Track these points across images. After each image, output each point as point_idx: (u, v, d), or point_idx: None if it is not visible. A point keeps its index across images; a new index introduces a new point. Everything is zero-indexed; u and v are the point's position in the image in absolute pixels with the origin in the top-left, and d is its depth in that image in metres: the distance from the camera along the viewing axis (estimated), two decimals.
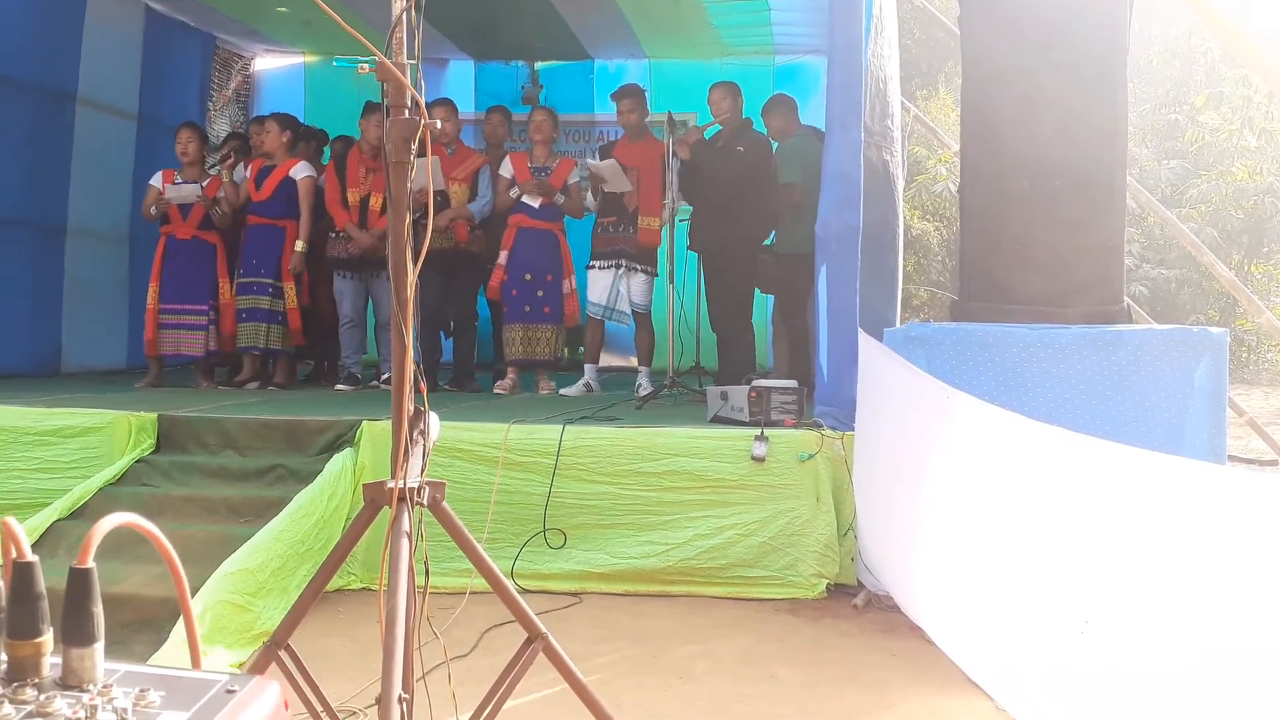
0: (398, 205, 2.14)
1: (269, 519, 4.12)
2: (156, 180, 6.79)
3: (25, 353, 7.15)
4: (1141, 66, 16.81)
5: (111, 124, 7.96)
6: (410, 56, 2.12)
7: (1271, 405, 12.03)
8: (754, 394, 4.72)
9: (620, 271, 6.56)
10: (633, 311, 6.64)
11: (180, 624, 3.31)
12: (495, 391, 6.60)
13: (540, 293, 6.56)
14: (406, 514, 2.12)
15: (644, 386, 6.44)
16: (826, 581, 4.41)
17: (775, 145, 6.70)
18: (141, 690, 0.95)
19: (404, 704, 1.98)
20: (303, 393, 6.62)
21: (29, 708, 0.91)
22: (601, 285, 6.59)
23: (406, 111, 2.11)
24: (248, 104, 9.98)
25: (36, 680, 0.95)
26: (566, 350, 7.00)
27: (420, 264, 2.16)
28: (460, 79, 9.72)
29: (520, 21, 8.50)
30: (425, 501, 2.18)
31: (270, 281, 6.68)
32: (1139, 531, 2.27)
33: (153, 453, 4.82)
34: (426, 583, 2.28)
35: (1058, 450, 2.64)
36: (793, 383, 4.96)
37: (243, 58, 9.87)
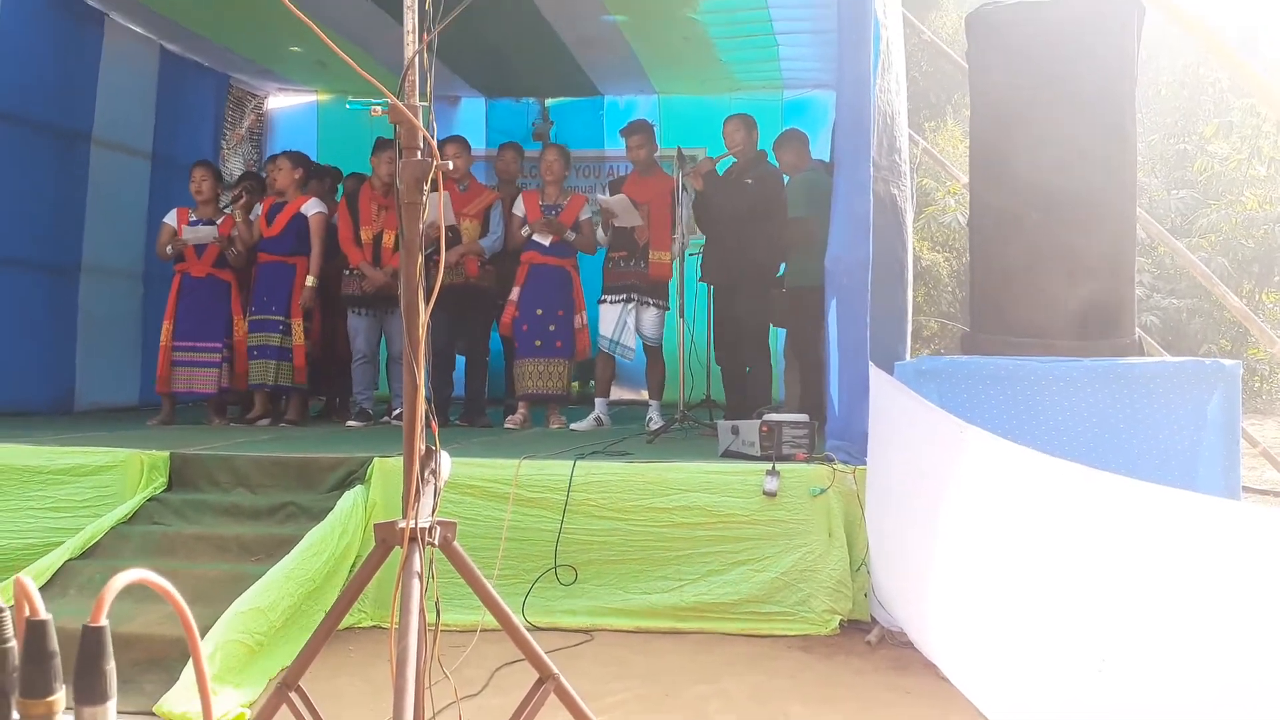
0: (410, 246, 2.15)
1: (280, 557, 4.12)
2: (171, 219, 6.85)
3: (39, 390, 7.18)
4: (1150, 97, 16.86)
5: (126, 163, 8.04)
6: (422, 98, 2.14)
7: None
8: (765, 428, 4.71)
9: (630, 305, 6.60)
10: (644, 345, 6.67)
11: (191, 664, 3.31)
12: (506, 426, 6.61)
13: (552, 327, 6.59)
14: (418, 554, 2.12)
15: (654, 420, 6.44)
16: (839, 618, 4.38)
17: (786, 179, 6.73)
18: None
19: None
20: (314, 429, 6.63)
21: None
22: (610, 319, 6.63)
23: (419, 153, 2.13)
24: (261, 142, 10.07)
25: None
26: (577, 384, 7.01)
27: (433, 303, 2.18)
28: (472, 116, 9.81)
29: (531, 59, 8.59)
30: (436, 541, 2.18)
31: (280, 319, 6.72)
32: (1156, 569, 2.25)
33: (165, 491, 4.82)
34: (437, 622, 2.28)
35: (1073, 486, 2.62)
36: (804, 417, 4.95)
37: (256, 96, 9.97)
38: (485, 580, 2.25)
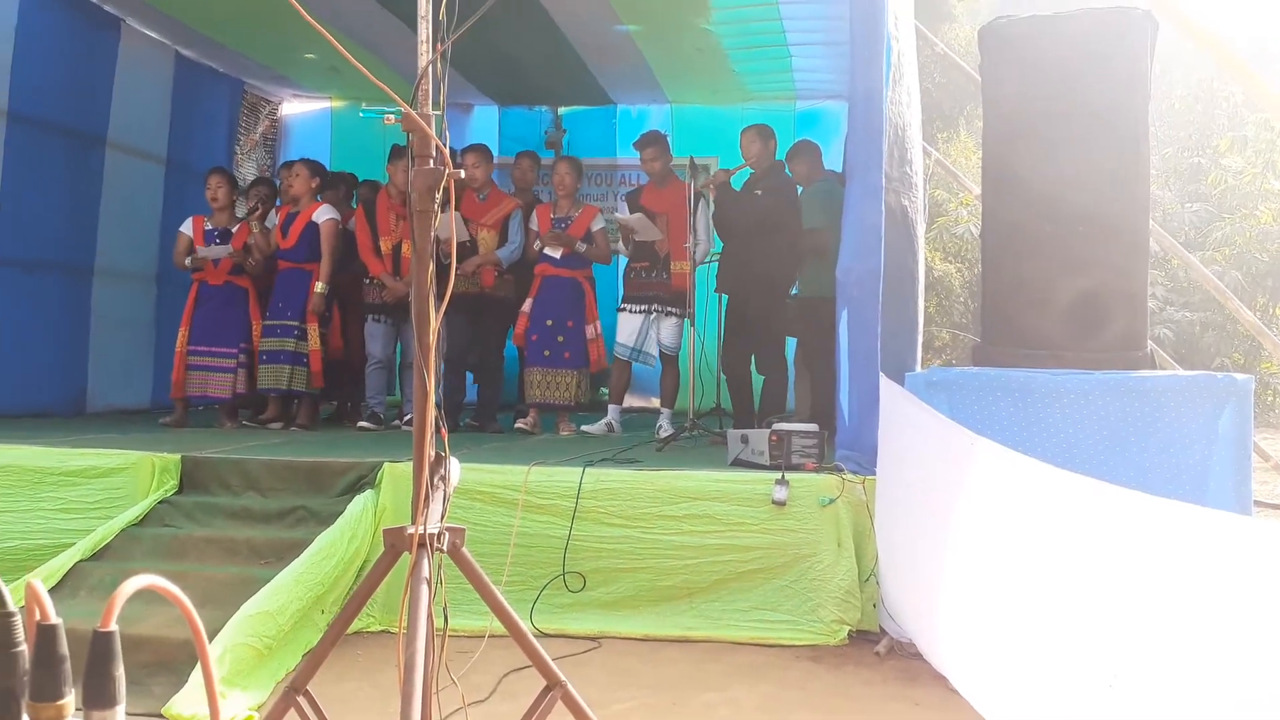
0: (421, 254, 2.16)
1: (290, 560, 4.13)
2: (187, 227, 6.89)
3: (52, 392, 7.22)
4: (1164, 110, 16.83)
5: (140, 167, 8.09)
6: (436, 107, 2.15)
7: None
8: (775, 437, 4.70)
9: (653, 316, 6.63)
10: (661, 353, 6.70)
11: (199, 667, 3.32)
12: (516, 426, 6.65)
13: (560, 338, 6.62)
14: (426, 560, 2.13)
15: (665, 428, 6.45)
16: (848, 628, 4.37)
17: (800, 190, 6.74)
18: None
19: None
20: (325, 433, 6.65)
21: None
22: (630, 328, 6.66)
23: (431, 161, 2.14)
24: (275, 148, 10.12)
25: None
26: (587, 394, 7.03)
27: (444, 310, 2.18)
28: (484, 124, 9.84)
29: (545, 68, 8.62)
30: (445, 548, 2.19)
31: (295, 324, 6.75)
32: (1167, 584, 2.24)
33: (176, 493, 4.84)
34: (445, 628, 2.28)
35: (1084, 499, 2.61)
36: (813, 426, 4.94)
37: (270, 103, 10.01)
38: (493, 587, 2.26)
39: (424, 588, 2.10)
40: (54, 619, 0.96)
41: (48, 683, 0.96)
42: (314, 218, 6.81)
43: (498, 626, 2.35)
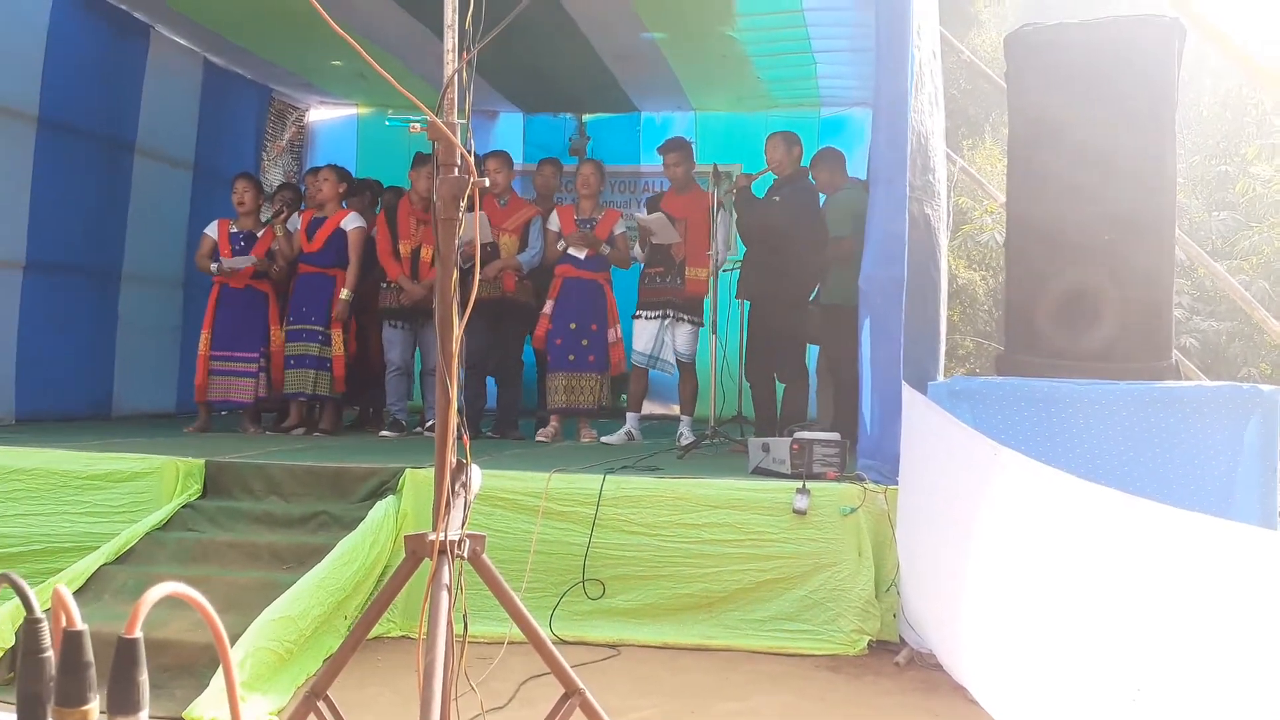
0: (445, 262, 2.17)
1: (312, 565, 4.15)
2: (212, 230, 6.95)
3: (78, 396, 7.30)
4: (1192, 119, 16.69)
5: (168, 173, 8.17)
6: (461, 116, 2.16)
7: None
8: (796, 446, 4.69)
9: (666, 322, 6.62)
10: (678, 361, 6.69)
11: (220, 671, 3.34)
12: (537, 439, 6.64)
13: (585, 342, 6.62)
14: (447, 567, 2.14)
15: (685, 436, 6.45)
16: (868, 638, 4.35)
17: (823, 198, 6.73)
18: None
19: None
20: (348, 439, 6.69)
21: None
22: (647, 335, 6.65)
23: (456, 170, 2.15)
24: (301, 155, 10.19)
25: None
26: (625, 397, 7.04)
27: (467, 316, 2.19)
28: (509, 131, 9.89)
29: (569, 75, 8.65)
30: (465, 554, 2.19)
31: (320, 329, 6.78)
32: (1191, 597, 2.23)
33: (199, 498, 4.87)
34: (465, 634, 2.29)
35: (1108, 511, 2.60)
36: (835, 435, 4.92)
37: (297, 109, 10.09)
38: (513, 594, 2.27)
39: (444, 594, 2.11)
40: (79, 625, 0.97)
41: (73, 688, 0.97)
42: (342, 225, 6.85)
43: (517, 633, 2.35)
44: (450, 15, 2.23)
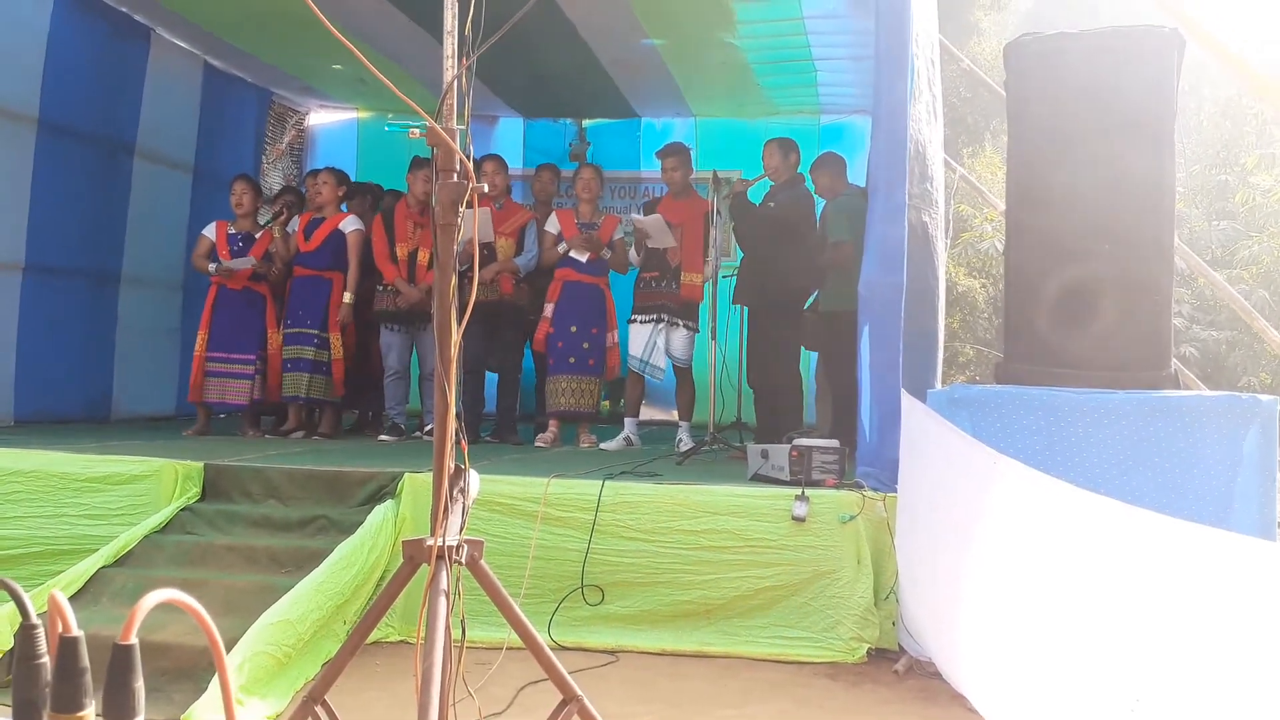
0: (444, 268, 2.17)
1: (310, 569, 4.14)
2: (210, 231, 6.95)
3: (77, 398, 7.29)
4: (1191, 128, 16.71)
5: (168, 175, 8.17)
6: (460, 121, 2.16)
7: None
8: (795, 453, 4.68)
9: (660, 326, 6.62)
10: (674, 366, 6.69)
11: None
12: (536, 444, 6.63)
13: (585, 345, 6.63)
14: (445, 572, 2.13)
15: (684, 442, 6.45)
16: (867, 645, 4.34)
17: (822, 203, 6.73)
18: None
19: None
20: (347, 443, 6.68)
21: None
22: (640, 339, 6.66)
23: (455, 175, 2.15)
24: (301, 158, 10.20)
25: None
26: (607, 404, 7.04)
27: (466, 320, 2.19)
28: (509, 136, 9.89)
29: (569, 81, 8.66)
30: (464, 560, 2.19)
31: (316, 332, 6.78)
32: (1190, 608, 2.22)
33: (198, 501, 4.87)
34: (463, 640, 2.29)
35: (1107, 521, 2.59)
36: (834, 442, 4.92)
37: (297, 112, 10.10)
38: (511, 600, 2.26)
39: (442, 599, 2.11)
40: (75, 631, 0.97)
41: (68, 694, 0.97)
42: (340, 227, 6.85)
43: (515, 639, 2.35)
44: (450, 21, 2.23)
